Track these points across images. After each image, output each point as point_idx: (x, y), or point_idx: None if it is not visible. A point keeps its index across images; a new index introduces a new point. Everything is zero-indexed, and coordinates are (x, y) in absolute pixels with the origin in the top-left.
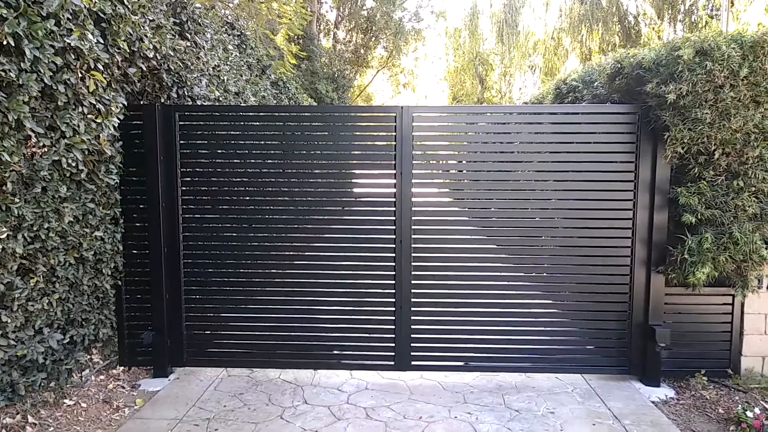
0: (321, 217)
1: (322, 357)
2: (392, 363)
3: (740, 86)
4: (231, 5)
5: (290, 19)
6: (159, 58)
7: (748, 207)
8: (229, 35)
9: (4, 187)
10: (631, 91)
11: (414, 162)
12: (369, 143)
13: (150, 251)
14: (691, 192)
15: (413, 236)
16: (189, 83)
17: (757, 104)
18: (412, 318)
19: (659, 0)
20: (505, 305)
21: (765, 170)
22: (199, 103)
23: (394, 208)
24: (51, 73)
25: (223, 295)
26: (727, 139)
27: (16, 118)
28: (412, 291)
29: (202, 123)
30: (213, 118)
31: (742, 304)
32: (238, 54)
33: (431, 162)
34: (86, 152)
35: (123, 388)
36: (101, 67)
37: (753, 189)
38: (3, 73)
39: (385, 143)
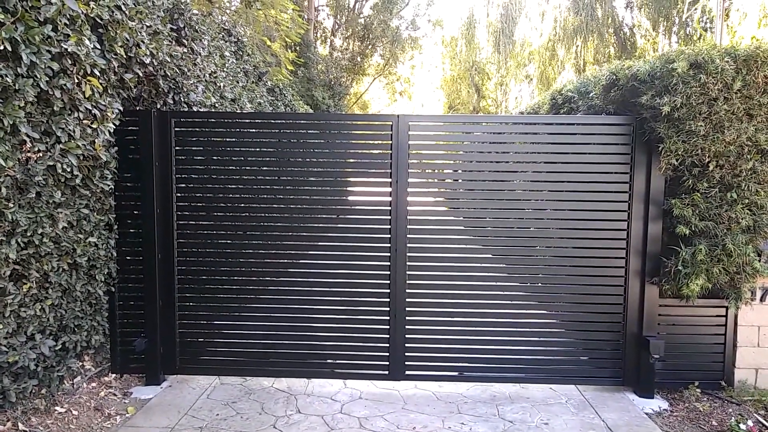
0: (316, 225)
1: (316, 366)
2: (386, 372)
3: (734, 99)
4: (228, 12)
5: (288, 27)
6: (156, 64)
7: (742, 219)
8: (226, 42)
9: None
10: (626, 102)
11: (410, 170)
12: (365, 151)
13: (144, 258)
14: (685, 203)
15: (408, 245)
16: (185, 89)
17: (751, 117)
18: (407, 327)
19: (654, 12)
20: (500, 315)
21: (758, 183)
22: (195, 109)
23: (389, 217)
24: (47, 78)
25: (217, 303)
26: (720, 151)
27: (11, 123)
28: (407, 300)
29: (197, 129)
30: (209, 124)
31: (736, 316)
32: (234, 60)
33: (427, 171)
34: (81, 157)
35: (115, 395)
36: (98, 73)
37: (746, 201)
38: None
39: (380, 151)
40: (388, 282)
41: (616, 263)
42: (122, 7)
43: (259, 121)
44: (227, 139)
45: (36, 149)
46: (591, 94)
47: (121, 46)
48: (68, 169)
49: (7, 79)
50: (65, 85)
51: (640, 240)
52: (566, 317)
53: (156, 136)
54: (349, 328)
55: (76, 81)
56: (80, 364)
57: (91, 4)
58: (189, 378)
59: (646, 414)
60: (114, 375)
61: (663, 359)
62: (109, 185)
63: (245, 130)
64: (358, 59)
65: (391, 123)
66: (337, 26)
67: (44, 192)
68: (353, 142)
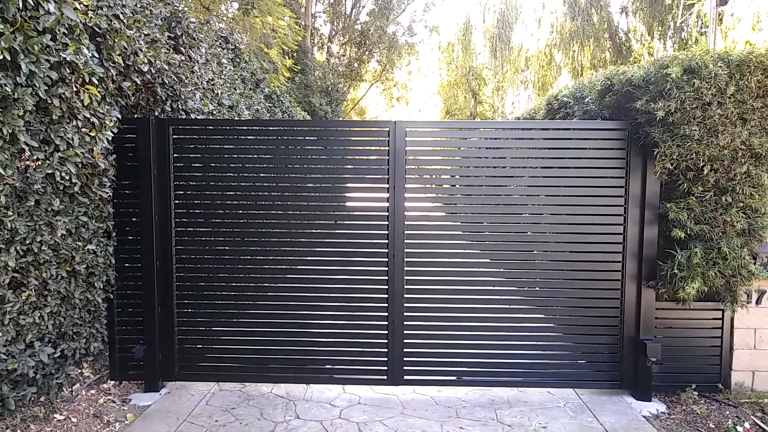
0: (314, 231)
1: (315, 371)
2: (385, 378)
3: (727, 104)
4: (225, 19)
5: (285, 34)
6: (153, 72)
7: (737, 222)
8: (223, 49)
9: None
10: (621, 107)
11: (407, 176)
12: (362, 157)
13: (142, 265)
14: (680, 207)
15: (406, 250)
16: (183, 97)
17: (744, 121)
18: (405, 332)
19: (649, 17)
20: (498, 319)
21: (752, 186)
22: (193, 116)
23: (386, 222)
24: (46, 87)
25: (216, 309)
26: (715, 155)
27: (10, 131)
28: (405, 305)
29: (195, 137)
30: (207, 131)
31: (732, 319)
32: (232, 68)
33: (424, 176)
34: (80, 165)
35: (114, 402)
36: (96, 81)
37: (741, 205)
38: None
39: (378, 157)
40: (386, 287)
41: (613, 267)
42: (120, 16)
43: (257, 127)
44: (225, 146)
45: (35, 158)
46: (586, 99)
47: (119, 55)
48: (67, 177)
49: (7, 88)
50: (64, 93)
51: (636, 244)
52: (564, 321)
53: (154, 144)
54: (348, 334)
55: (75, 90)
56: (79, 371)
57: (90, 13)
58: (188, 384)
59: (644, 417)
60: (113, 382)
61: (660, 362)
62: (107, 193)
63: (243, 137)
64: (355, 65)
65: (388, 129)
66: (333, 33)
67: (43, 200)
68: (351, 148)
